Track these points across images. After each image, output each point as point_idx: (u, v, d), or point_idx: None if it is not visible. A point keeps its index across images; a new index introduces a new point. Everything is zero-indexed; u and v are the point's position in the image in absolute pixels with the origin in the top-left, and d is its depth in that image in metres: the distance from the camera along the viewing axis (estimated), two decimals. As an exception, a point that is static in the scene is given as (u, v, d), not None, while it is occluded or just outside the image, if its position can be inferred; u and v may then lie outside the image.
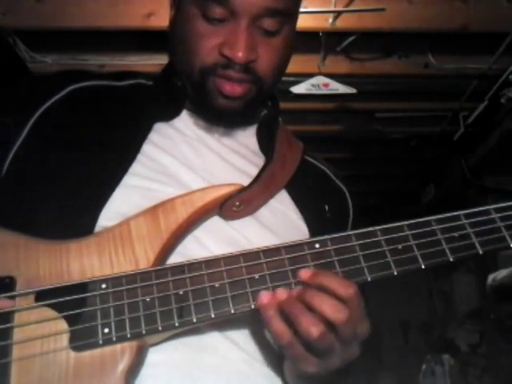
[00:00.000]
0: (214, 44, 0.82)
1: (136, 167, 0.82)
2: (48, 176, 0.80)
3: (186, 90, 0.91)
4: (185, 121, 0.92)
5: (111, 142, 0.84)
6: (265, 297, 0.67)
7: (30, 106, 0.86)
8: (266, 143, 0.94)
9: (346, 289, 0.66)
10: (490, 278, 3.46)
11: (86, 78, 0.92)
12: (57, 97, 0.87)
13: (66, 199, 0.78)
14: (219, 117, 0.88)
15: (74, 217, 0.77)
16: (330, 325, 0.65)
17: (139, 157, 0.83)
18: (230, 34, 0.81)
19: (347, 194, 1.04)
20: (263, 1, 0.81)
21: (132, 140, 0.84)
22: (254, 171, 0.88)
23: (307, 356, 0.67)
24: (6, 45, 2.62)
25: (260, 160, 0.93)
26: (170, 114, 0.91)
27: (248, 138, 0.96)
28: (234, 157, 0.91)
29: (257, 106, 0.93)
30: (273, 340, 0.68)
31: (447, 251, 0.74)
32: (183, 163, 0.85)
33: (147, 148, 0.85)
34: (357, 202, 1.04)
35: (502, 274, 3.38)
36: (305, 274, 0.69)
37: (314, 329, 0.64)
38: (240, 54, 0.80)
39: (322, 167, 1.05)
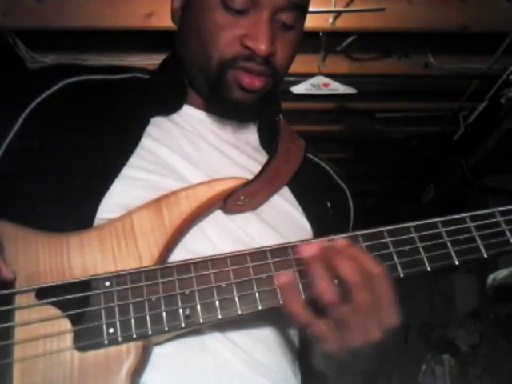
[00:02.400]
0: (235, 35, 0.82)
1: (135, 160, 0.81)
2: (44, 168, 0.79)
3: (187, 86, 0.91)
4: (184, 115, 0.91)
5: (108, 134, 0.83)
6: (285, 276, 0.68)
7: (22, 99, 0.85)
8: (269, 139, 0.94)
9: (375, 267, 0.66)
10: (490, 278, 3.46)
11: (79, 72, 0.90)
12: (50, 91, 0.85)
13: (63, 191, 0.77)
14: (234, 111, 0.87)
15: (73, 209, 0.76)
16: (345, 294, 0.65)
17: (138, 150, 0.82)
18: (253, 25, 0.81)
19: (348, 193, 1.04)
20: None
21: (130, 133, 0.84)
22: (255, 166, 0.88)
23: (326, 333, 0.67)
24: (6, 45, 2.62)
25: (261, 156, 0.92)
26: (169, 108, 0.90)
27: (248, 134, 0.95)
28: (233, 151, 0.90)
29: (269, 101, 0.92)
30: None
31: (453, 254, 0.74)
32: (182, 157, 0.84)
33: (146, 141, 0.84)
34: (358, 202, 1.04)
35: (501, 274, 3.38)
36: (341, 243, 0.69)
37: (328, 294, 0.65)
38: (263, 47, 0.80)
39: (324, 165, 1.05)
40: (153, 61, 2.85)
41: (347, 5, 2.43)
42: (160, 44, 2.61)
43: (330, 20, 2.47)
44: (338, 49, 2.79)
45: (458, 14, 2.52)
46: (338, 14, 2.46)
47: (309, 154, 1.02)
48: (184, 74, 0.92)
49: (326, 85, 2.78)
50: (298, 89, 2.76)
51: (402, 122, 3.75)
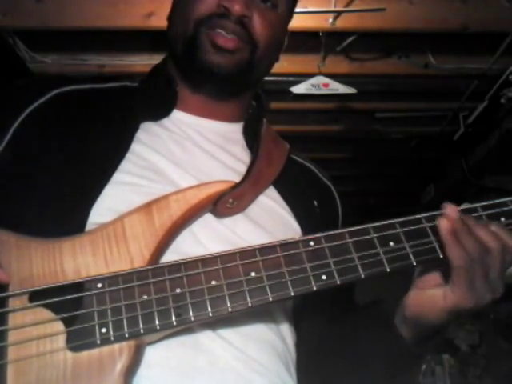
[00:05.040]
0: (213, 0, 0.87)
1: (125, 165, 0.82)
2: (36, 175, 0.81)
3: (176, 91, 0.93)
4: (174, 120, 0.92)
5: (99, 141, 0.84)
6: (447, 223, 0.74)
7: (13, 110, 0.86)
8: (252, 141, 0.96)
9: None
10: (490, 278, 3.45)
11: (69, 82, 0.93)
12: (41, 101, 0.87)
13: (55, 197, 0.78)
14: (210, 76, 0.88)
15: (65, 214, 0.77)
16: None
17: (128, 155, 0.84)
18: None
19: (334, 192, 1.07)
20: None
21: (120, 139, 0.85)
22: (242, 167, 0.90)
23: (472, 284, 0.74)
24: (6, 45, 2.62)
25: (247, 157, 0.94)
26: (159, 114, 0.92)
27: (235, 134, 0.98)
28: (222, 154, 0.92)
29: (247, 74, 0.93)
30: (454, 267, 0.74)
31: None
32: (172, 161, 0.86)
33: (136, 146, 0.85)
34: (344, 202, 1.07)
35: (502, 273, 3.37)
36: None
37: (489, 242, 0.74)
38: (237, 7, 0.85)
39: (309, 165, 1.07)
40: (153, 61, 2.82)
41: (347, 5, 2.43)
42: (160, 44, 2.61)
43: (330, 20, 2.47)
44: (338, 49, 2.79)
45: (458, 14, 2.52)
46: (338, 13, 2.45)
47: (293, 156, 1.04)
48: (174, 76, 0.94)
49: (325, 85, 2.78)
50: (297, 89, 2.76)
51: (402, 122, 3.75)
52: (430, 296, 0.78)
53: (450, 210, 0.75)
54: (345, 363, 0.92)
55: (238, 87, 0.96)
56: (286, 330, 0.87)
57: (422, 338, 0.83)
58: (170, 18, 0.98)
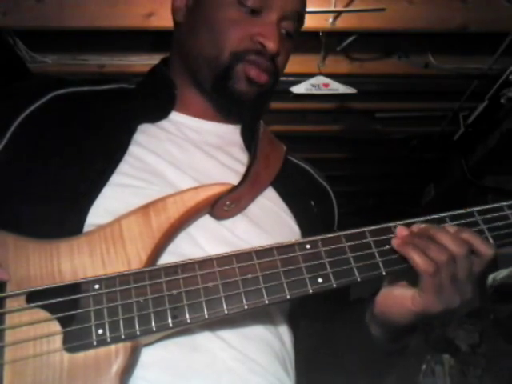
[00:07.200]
0: (248, 32, 0.88)
1: (123, 167, 0.83)
2: (34, 176, 0.81)
3: (175, 93, 0.94)
4: (172, 121, 0.93)
5: (97, 143, 0.85)
6: (397, 239, 0.75)
7: (11, 111, 0.86)
8: (250, 142, 0.97)
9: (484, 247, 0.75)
10: (490, 277, 3.46)
11: (66, 84, 0.93)
12: (38, 103, 0.88)
13: (53, 198, 0.79)
14: (237, 103, 0.91)
15: (62, 215, 0.77)
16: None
17: (126, 157, 0.84)
18: (265, 25, 0.89)
19: (330, 192, 1.08)
20: (295, 3, 0.91)
21: (118, 141, 0.85)
22: (241, 168, 0.91)
23: (440, 289, 0.74)
24: (6, 45, 2.62)
25: (245, 158, 0.95)
26: (157, 116, 0.92)
27: (233, 135, 0.98)
28: (220, 154, 0.92)
29: (266, 100, 0.96)
30: (421, 273, 0.74)
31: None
32: (170, 162, 0.86)
33: (134, 148, 0.86)
34: (342, 201, 1.08)
35: (502, 273, 3.38)
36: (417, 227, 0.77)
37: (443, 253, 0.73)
38: (273, 45, 0.87)
39: (305, 167, 1.08)
40: (153, 61, 2.81)
41: (347, 5, 2.43)
42: (160, 44, 2.62)
43: (330, 20, 2.47)
44: (338, 49, 2.80)
45: (458, 14, 2.52)
46: (338, 13, 2.46)
47: (289, 157, 1.04)
48: (174, 78, 0.95)
49: (326, 85, 2.78)
50: (297, 89, 2.76)
51: (402, 122, 3.75)
52: (399, 296, 0.78)
53: (399, 230, 0.77)
54: (341, 362, 0.93)
55: (258, 111, 0.98)
56: (284, 329, 0.87)
57: (393, 336, 0.83)
58: (193, 33, 0.93)
